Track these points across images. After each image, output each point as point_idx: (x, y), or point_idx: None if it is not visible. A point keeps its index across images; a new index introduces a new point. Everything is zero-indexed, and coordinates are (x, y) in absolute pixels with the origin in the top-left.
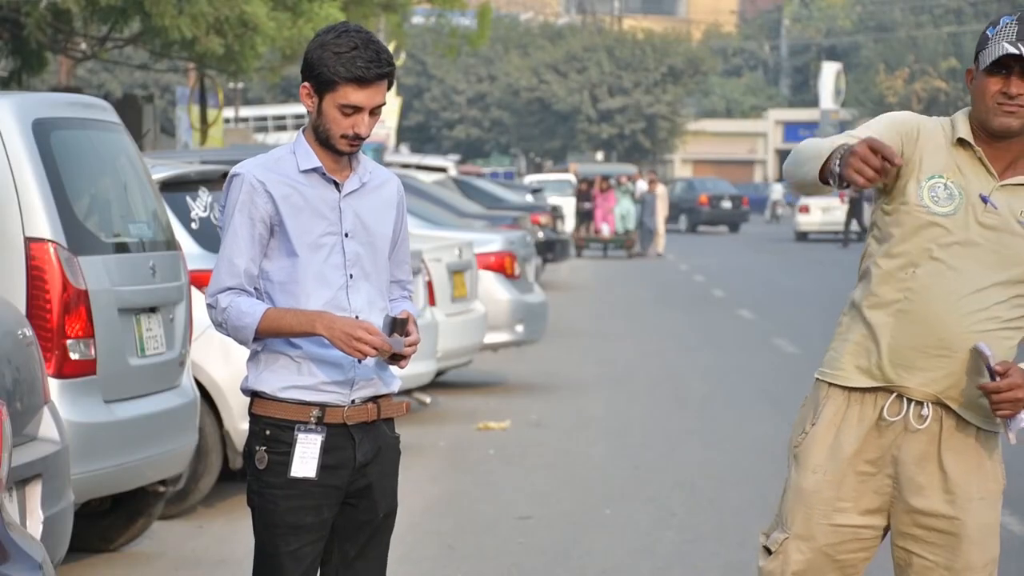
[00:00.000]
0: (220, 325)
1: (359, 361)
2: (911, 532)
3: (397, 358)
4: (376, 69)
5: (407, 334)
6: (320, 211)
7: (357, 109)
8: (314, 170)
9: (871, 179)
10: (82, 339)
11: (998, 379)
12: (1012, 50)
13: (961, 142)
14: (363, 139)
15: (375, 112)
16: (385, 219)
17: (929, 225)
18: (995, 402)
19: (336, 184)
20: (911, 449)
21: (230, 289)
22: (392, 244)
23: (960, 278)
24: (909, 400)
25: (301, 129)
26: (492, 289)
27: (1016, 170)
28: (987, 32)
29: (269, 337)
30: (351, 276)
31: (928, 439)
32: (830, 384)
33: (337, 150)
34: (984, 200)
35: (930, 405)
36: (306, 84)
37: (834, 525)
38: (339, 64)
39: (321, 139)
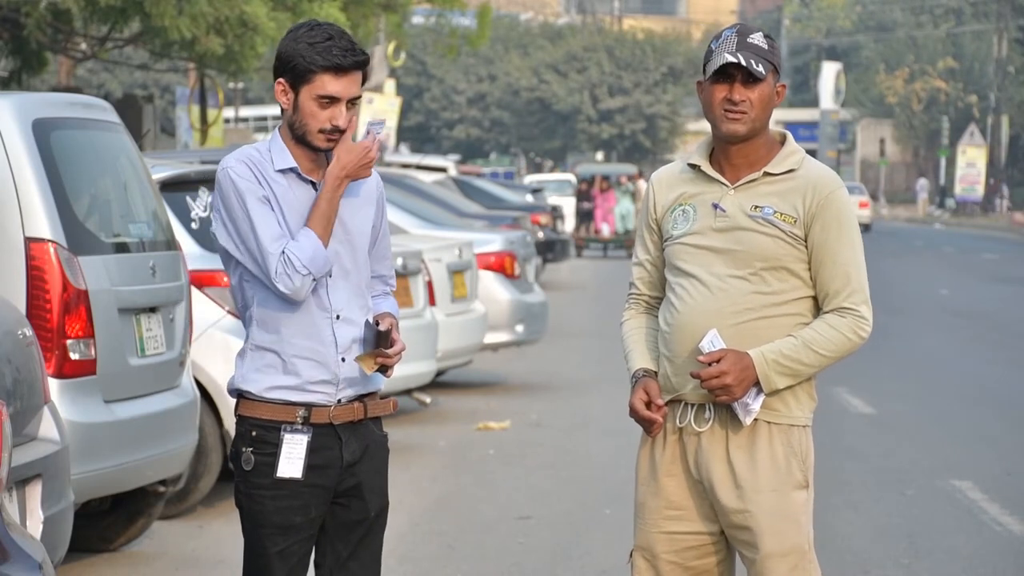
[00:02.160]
0: (298, 274)
1: (342, 360)
2: (728, 532)
3: (384, 368)
4: (352, 57)
5: (392, 343)
6: (298, 211)
7: (334, 100)
8: (290, 170)
9: (661, 426)
10: (82, 339)
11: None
12: (731, 58)
13: (691, 166)
14: (341, 133)
15: (352, 105)
16: (364, 216)
17: (677, 249)
18: (705, 388)
19: (313, 184)
20: (705, 451)
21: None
22: (372, 240)
23: (707, 284)
24: (691, 405)
25: (276, 128)
26: (492, 289)
27: (752, 170)
28: (711, 45)
29: (328, 233)
30: (330, 275)
31: (718, 439)
32: None
33: (314, 146)
34: (715, 207)
35: (711, 407)
36: (281, 80)
37: (666, 533)
38: (315, 53)
39: (297, 136)
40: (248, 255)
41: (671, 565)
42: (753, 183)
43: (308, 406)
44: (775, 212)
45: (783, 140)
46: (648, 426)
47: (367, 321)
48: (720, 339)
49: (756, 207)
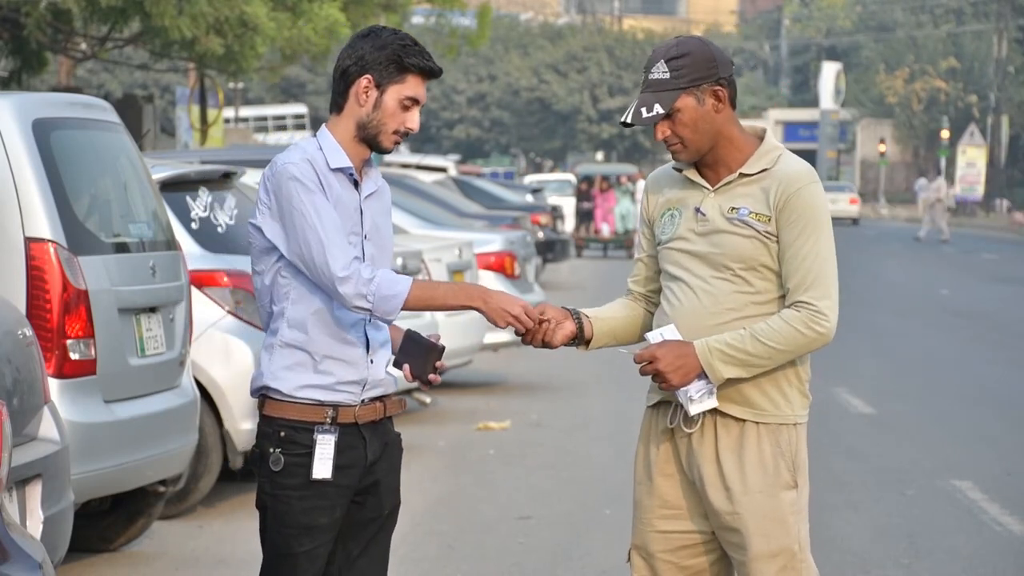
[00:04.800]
0: (363, 296)
1: (371, 362)
2: (718, 534)
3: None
4: (438, 65)
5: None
6: (347, 210)
7: (415, 103)
8: (342, 170)
9: (531, 337)
10: (82, 339)
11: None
12: (624, 117)
13: (677, 170)
14: (406, 136)
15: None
16: (388, 223)
17: (666, 253)
18: (645, 374)
19: (356, 184)
20: (696, 452)
21: (357, 259)
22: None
23: (693, 287)
24: (680, 406)
25: (323, 125)
26: None
27: (729, 171)
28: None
29: (418, 308)
30: None
31: (707, 440)
32: (646, 405)
33: (382, 147)
34: (696, 211)
35: None
36: (369, 76)
37: (661, 532)
38: (413, 55)
39: (368, 136)
40: (302, 250)
41: (666, 564)
42: (730, 185)
43: (335, 406)
44: (750, 212)
45: (763, 137)
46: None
47: (410, 332)
48: (676, 333)
49: (733, 208)
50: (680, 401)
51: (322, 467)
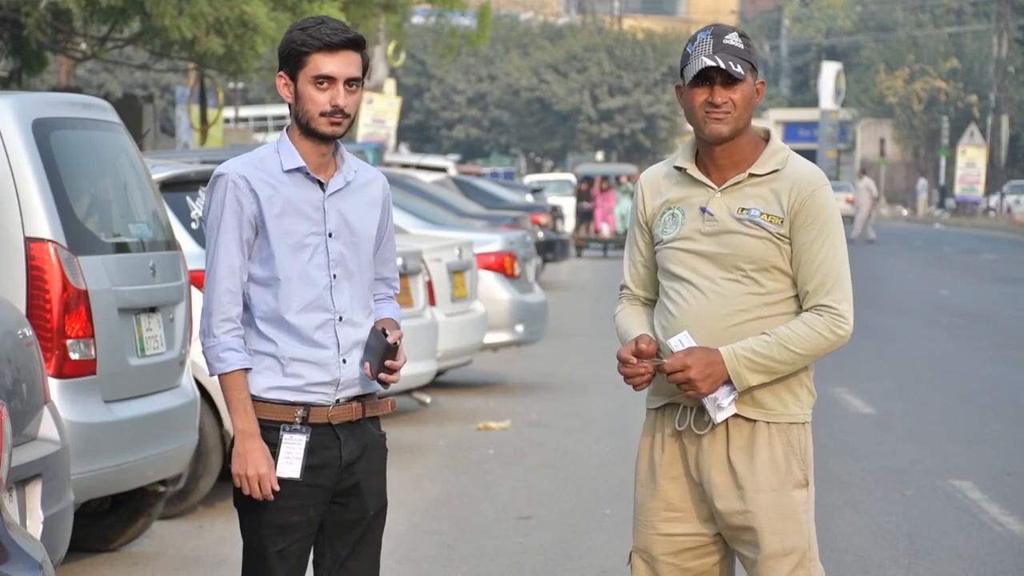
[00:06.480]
0: (201, 338)
1: (343, 362)
2: (726, 533)
3: (383, 382)
4: (343, 35)
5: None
6: (304, 211)
7: (331, 80)
8: (298, 170)
9: (646, 381)
10: (82, 339)
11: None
12: (709, 62)
13: (678, 168)
14: (344, 115)
15: (352, 86)
16: (369, 218)
17: (668, 253)
18: (672, 383)
19: (320, 183)
20: (706, 453)
21: (229, 321)
22: (377, 243)
23: (701, 288)
24: (690, 409)
25: (285, 128)
26: (492, 289)
27: (738, 171)
28: (687, 49)
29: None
30: (334, 276)
31: (718, 441)
32: (648, 408)
33: (320, 133)
34: (703, 211)
35: None
36: (281, 74)
37: (664, 535)
38: (306, 36)
39: (303, 127)
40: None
41: (669, 566)
42: (739, 185)
43: (306, 406)
44: (762, 214)
45: (767, 137)
46: (629, 377)
47: (375, 330)
48: (691, 339)
49: (743, 209)
50: (707, 408)
51: (287, 466)
